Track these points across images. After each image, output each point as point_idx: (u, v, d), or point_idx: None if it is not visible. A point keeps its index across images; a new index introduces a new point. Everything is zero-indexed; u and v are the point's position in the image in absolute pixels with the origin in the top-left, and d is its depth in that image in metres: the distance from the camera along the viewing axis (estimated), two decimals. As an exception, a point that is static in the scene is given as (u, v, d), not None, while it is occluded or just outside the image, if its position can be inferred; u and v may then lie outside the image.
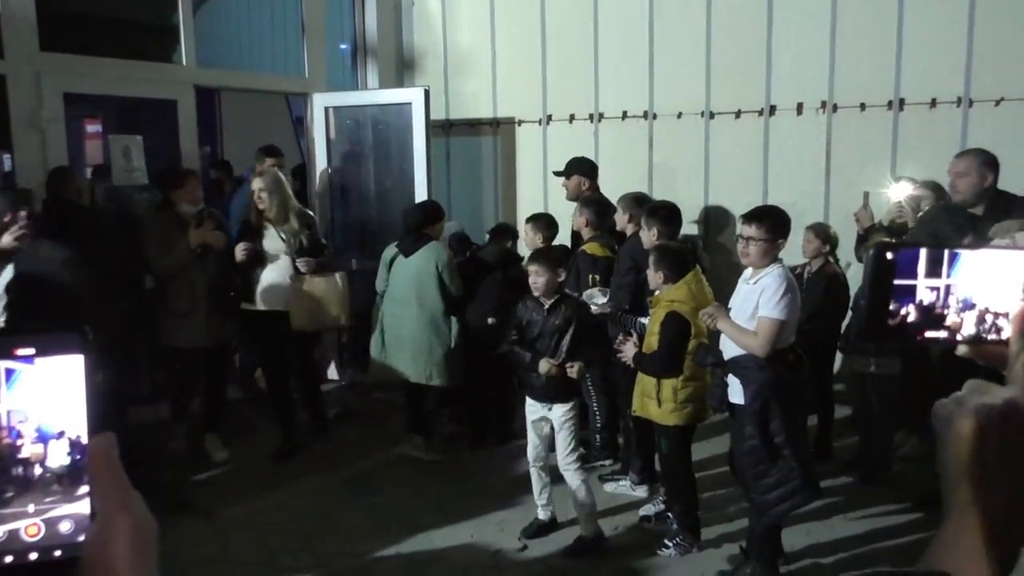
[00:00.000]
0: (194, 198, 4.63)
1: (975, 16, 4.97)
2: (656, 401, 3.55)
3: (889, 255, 0.68)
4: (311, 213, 4.98)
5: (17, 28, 4.53)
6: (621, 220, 4.35)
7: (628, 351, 3.66)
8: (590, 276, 4.29)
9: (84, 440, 0.54)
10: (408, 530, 3.92)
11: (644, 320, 3.87)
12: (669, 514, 3.85)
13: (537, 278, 3.60)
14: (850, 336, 4.38)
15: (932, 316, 0.69)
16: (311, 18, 6.31)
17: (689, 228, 5.40)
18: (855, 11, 5.28)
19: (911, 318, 0.69)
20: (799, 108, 5.50)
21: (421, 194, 5.95)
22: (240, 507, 4.15)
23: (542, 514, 3.86)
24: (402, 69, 6.83)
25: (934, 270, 0.68)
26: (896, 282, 0.68)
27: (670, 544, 3.66)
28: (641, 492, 4.23)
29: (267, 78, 6.87)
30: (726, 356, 3.29)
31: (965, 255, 0.69)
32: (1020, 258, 0.70)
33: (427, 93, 5.91)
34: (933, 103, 5.14)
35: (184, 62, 5.47)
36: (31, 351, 0.53)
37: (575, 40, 6.10)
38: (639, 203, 4.29)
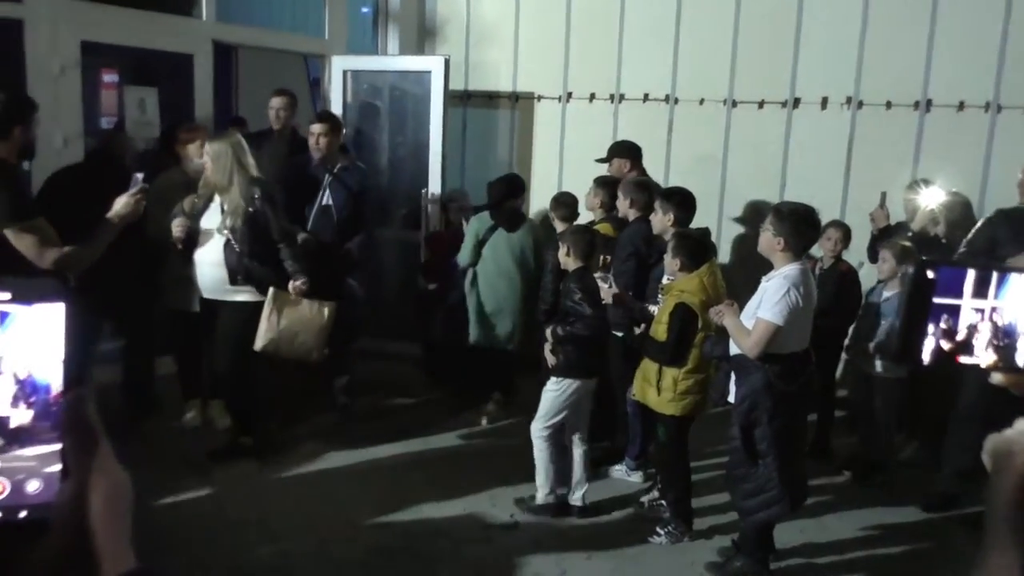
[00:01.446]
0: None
1: (1009, 20, 4.87)
2: (656, 389, 3.55)
3: (930, 273, 0.64)
4: (272, 187, 4.19)
5: (36, -28, 4.46)
6: (623, 205, 4.29)
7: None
8: (600, 256, 4.27)
9: (58, 393, 0.51)
10: (400, 501, 3.94)
11: (652, 307, 3.84)
12: (663, 501, 3.85)
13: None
14: (860, 336, 4.34)
15: (971, 340, 0.65)
16: (334, -21, 6.22)
17: (704, 218, 5.34)
18: (887, 8, 5.18)
19: (947, 340, 0.65)
20: (823, 102, 5.41)
21: (435, 165, 5.90)
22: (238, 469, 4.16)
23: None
24: (423, 36, 6.73)
25: (981, 291, 0.64)
26: (936, 301, 0.64)
27: (661, 532, 3.66)
28: (636, 478, 4.23)
29: (286, 37, 6.77)
30: (732, 351, 3.27)
31: (1013, 277, 0.65)
32: None
33: (447, 63, 5.84)
34: (961, 106, 5.05)
35: (204, 16, 5.40)
36: (6, 296, 0.50)
37: (600, 17, 6.00)
38: (641, 188, 4.24)
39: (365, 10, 7.22)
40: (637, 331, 4.00)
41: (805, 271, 3.21)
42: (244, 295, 4.02)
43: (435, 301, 5.37)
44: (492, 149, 6.59)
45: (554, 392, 3.78)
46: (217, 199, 3.99)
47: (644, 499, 4.00)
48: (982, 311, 0.65)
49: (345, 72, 6.12)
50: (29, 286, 0.51)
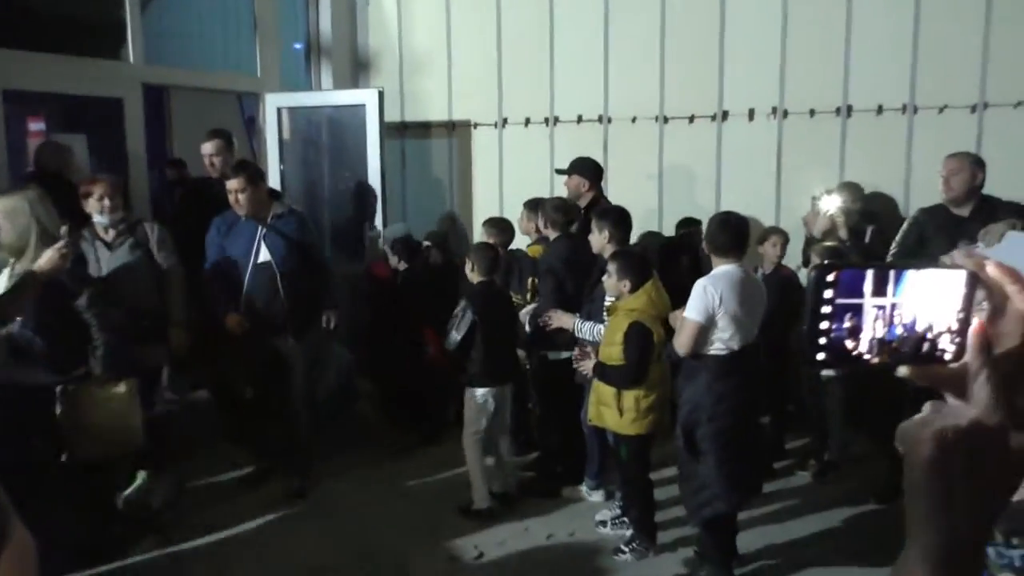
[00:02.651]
0: (103, 207, 3.95)
1: (920, 24, 5.11)
2: (617, 411, 3.54)
3: (831, 276, 0.65)
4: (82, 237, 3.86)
5: (-47, 23, 4.36)
6: (543, 226, 4.35)
7: (587, 366, 3.66)
8: (530, 279, 4.34)
9: None
10: (363, 539, 3.87)
11: (588, 325, 3.88)
12: (625, 519, 3.86)
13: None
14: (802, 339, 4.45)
15: (873, 337, 0.67)
16: (263, 16, 6.21)
17: (644, 231, 5.45)
18: (805, 19, 5.38)
19: (851, 339, 0.67)
20: (751, 114, 5.58)
21: (375, 197, 5.89)
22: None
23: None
24: (357, 69, 6.75)
25: (880, 289, 0.66)
26: (838, 301, 0.66)
27: (626, 549, 3.67)
28: (597, 497, 4.24)
29: (218, 76, 6.72)
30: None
31: (910, 274, 0.67)
32: (960, 277, 0.68)
33: (381, 95, 5.86)
34: (880, 110, 5.27)
35: (132, 59, 5.32)
36: None
37: (531, 43, 6.10)
38: (558, 208, 4.29)
39: (298, 46, 7.21)
40: (568, 354, 4.00)
41: (731, 272, 3.27)
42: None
43: (388, 334, 5.31)
44: (432, 178, 6.62)
45: (470, 402, 4.05)
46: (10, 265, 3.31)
47: (598, 516, 4.02)
48: (882, 308, 0.67)
49: (280, 109, 6.09)
50: None
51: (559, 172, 4.88)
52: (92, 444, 3.45)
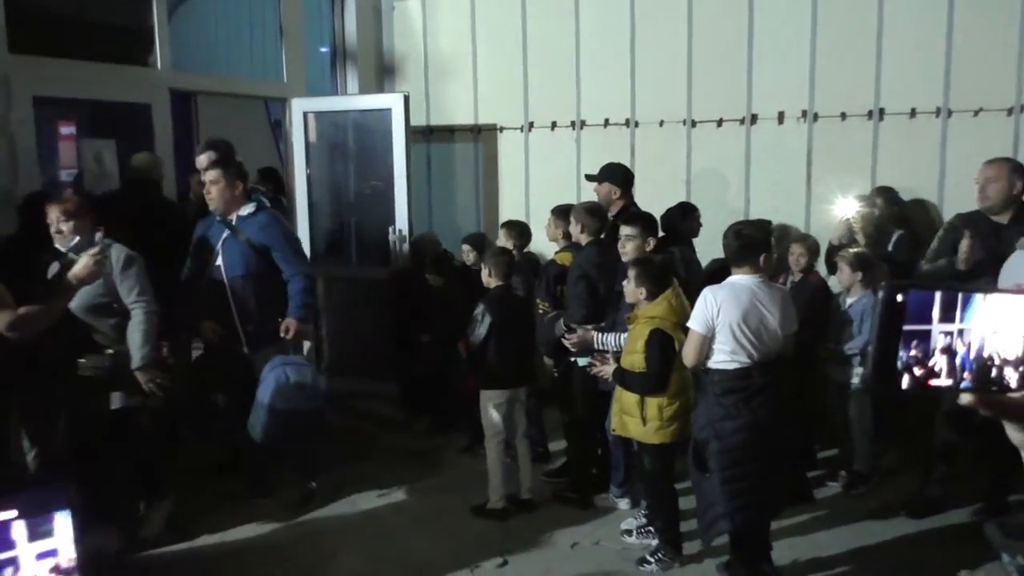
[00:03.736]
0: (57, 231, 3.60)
1: (954, 25, 4.99)
2: (640, 420, 3.50)
3: (899, 297, 0.64)
4: None
5: (-15, 29, 4.41)
6: (574, 231, 4.30)
7: (606, 371, 3.61)
8: (558, 287, 4.30)
9: None
10: (384, 545, 3.85)
11: (612, 336, 3.82)
12: (651, 528, 3.81)
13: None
14: (830, 344, 4.37)
15: (941, 364, 0.65)
16: (289, 22, 6.24)
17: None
18: (836, 21, 5.29)
19: (919, 367, 0.65)
20: (780, 117, 5.50)
21: (401, 201, 5.89)
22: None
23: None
24: (382, 74, 6.76)
25: (947, 314, 0.64)
26: (906, 328, 0.64)
27: (651, 559, 3.61)
28: (624, 505, 4.19)
29: (245, 82, 6.77)
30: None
31: (977, 298, 0.65)
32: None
33: (407, 99, 5.85)
34: (913, 113, 5.15)
35: (159, 65, 5.37)
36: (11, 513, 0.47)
37: (557, 47, 6.06)
38: (592, 213, 4.23)
39: (324, 50, 7.24)
40: (584, 362, 3.98)
41: (739, 283, 3.20)
42: None
43: (411, 338, 5.31)
44: (458, 182, 6.60)
45: (485, 405, 4.08)
46: None
47: (623, 525, 3.96)
48: (950, 334, 0.65)
49: (305, 114, 6.11)
50: (34, 500, 0.49)
51: (589, 179, 4.81)
52: None
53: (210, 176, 4.04)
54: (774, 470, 3.22)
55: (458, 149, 6.53)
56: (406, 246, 5.85)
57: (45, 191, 4.38)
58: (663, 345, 3.41)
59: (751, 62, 5.51)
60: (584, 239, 4.22)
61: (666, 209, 4.73)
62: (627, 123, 5.91)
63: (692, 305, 3.36)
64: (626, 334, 3.68)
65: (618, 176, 4.66)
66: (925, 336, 0.65)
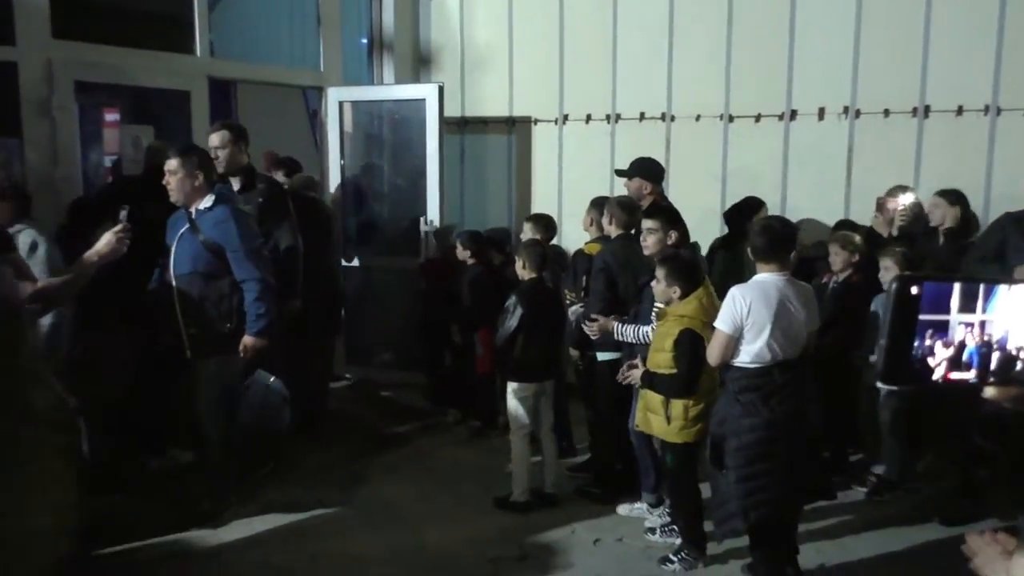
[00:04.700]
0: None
1: (1005, 21, 4.82)
2: (665, 418, 3.44)
3: (914, 289, 0.61)
4: None
5: (29, 15, 4.50)
6: (605, 223, 4.25)
7: (635, 375, 3.55)
8: (584, 277, 4.26)
9: None
10: (403, 535, 3.86)
11: (631, 328, 3.77)
12: (675, 527, 3.75)
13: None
14: (862, 347, 4.26)
15: (961, 355, 0.63)
16: (327, 12, 6.27)
17: (706, 234, 5.29)
18: (880, 15, 5.15)
19: (937, 358, 0.63)
20: (821, 113, 5.37)
21: (433, 191, 5.90)
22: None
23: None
24: (418, 65, 6.76)
25: (968, 305, 0.62)
26: (922, 317, 0.61)
27: (674, 559, 3.55)
28: (658, 515, 3.99)
29: (282, 71, 6.82)
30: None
31: (1001, 289, 0.63)
32: None
33: (441, 90, 5.85)
34: (960, 111, 5.00)
35: (198, 53, 5.43)
36: None
37: (593, 40, 6.00)
38: (623, 207, 4.16)
39: (363, 41, 7.28)
40: (605, 357, 3.99)
41: (767, 281, 3.11)
42: None
43: (441, 330, 5.31)
44: (491, 174, 6.58)
45: (512, 397, 4.05)
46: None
47: (656, 524, 3.90)
48: (971, 325, 0.63)
49: (341, 103, 6.14)
50: None
51: (619, 174, 4.75)
52: None
53: (169, 166, 3.78)
54: (793, 470, 3.15)
55: (492, 141, 6.51)
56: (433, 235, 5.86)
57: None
58: (693, 345, 3.33)
59: (791, 56, 5.40)
60: (613, 232, 4.17)
61: (731, 204, 4.70)
62: (663, 117, 5.83)
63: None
64: (647, 328, 3.63)
65: (649, 171, 4.61)
66: (943, 326, 0.62)
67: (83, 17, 5.32)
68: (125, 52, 5.04)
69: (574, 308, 4.23)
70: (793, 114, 5.45)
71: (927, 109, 5.10)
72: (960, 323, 0.62)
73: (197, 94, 5.37)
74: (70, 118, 4.74)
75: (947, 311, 0.62)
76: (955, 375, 0.64)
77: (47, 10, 4.56)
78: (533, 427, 4.16)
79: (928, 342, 0.62)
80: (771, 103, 5.49)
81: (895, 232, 4.58)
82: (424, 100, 5.87)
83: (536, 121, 6.31)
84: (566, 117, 6.18)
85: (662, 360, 3.41)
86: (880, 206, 4.75)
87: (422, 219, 5.95)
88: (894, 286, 0.63)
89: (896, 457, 4.24)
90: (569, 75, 6.14)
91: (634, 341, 3.70)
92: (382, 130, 6.52)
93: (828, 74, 5.31)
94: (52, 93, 4.58)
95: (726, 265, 4.73)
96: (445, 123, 5.93)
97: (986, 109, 4.94)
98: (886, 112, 5.19)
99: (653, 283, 3.51)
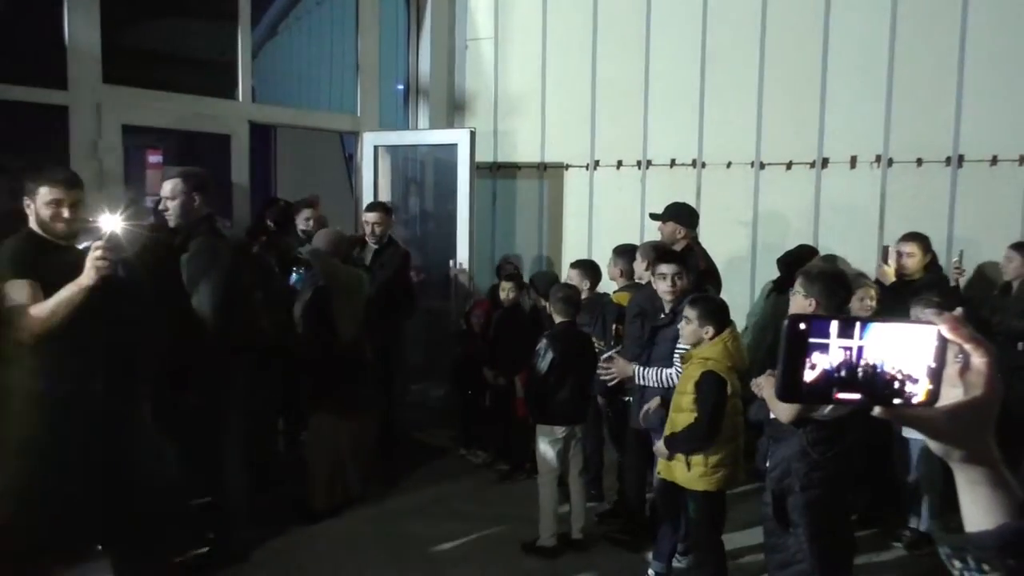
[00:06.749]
0: None
1: (1040, 73, 4.82)
2: (685, 464, 3.39)
3: (802, 325, 0.75)
4: None
5: (82, 60, 4.70)
6: (639, 267, 4.27)
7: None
8: (614, 326, 4.25)
9: None
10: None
11: (653, 371, 3.76)
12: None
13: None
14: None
15: (846, 377, 0.75)
16: (365, 58, 6.44)
17: (737, 282, 5.28)
18: (913, 64, 5.16)
19: (817, 375, 0.74)
20: (852, 161, 5.37)
21: (463, 234, 5.97)
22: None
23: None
24: (453, 111, 6.90)
25: (846, 332, 0.75)
26: (810, 340, 0.74)
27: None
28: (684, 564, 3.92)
29: (319, 116, 6.99)
30: (770, 416, 3.16)
31: (874, 324, 0.76)
32: (927, 331, 0.77)
33: (473, 134, 5.95)
34: (994, 160, 4.97)
35: (240, 98, 5.60)
36: None
37: (625, 87, 6.08)
38: (657, 251, 4.19)
39: (399, 87, 7.45)
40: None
41: None
42: None
43: (478, 371, 5.31)
44: (522, 218, 6.65)
45: (541, 441, 4.07)
46: None
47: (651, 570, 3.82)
48: (848, 349, 0.75)
49: (376, 147, 6.27)
50: None
51: (653, 217, 4.79)
52: None
53: (164, 191, 3.78)
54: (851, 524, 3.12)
55: (523, 185, 6.59)
56: (465, 278, 5.91)
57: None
58: (715, 388, 3.30)
59: (823, 104, 5.42)
60: (648, 277, 4.18)
61: (784, 252, 4.79)
62: (693, 164, 5.87)
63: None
64: (670, 370, 3.61)
65: (683, 215, 4.64)
66: (825, 348, 0.75)
67: (133, 62, 5.52)
68: (169, 97, 5.23)
69: (606, 356, 4.22)
70: (825, 162, 5.46)
71: (961, 159, 5.07)
72: (839, 347, 0.74)
73: (238, 138, 5.53)
74: (115, 159, 4.90)
75: (827, 336, 0.75)
76: (844, 395, 0.75)
77: (99, 55, 4.76)
78: (561, 471, 4.13)
79: (812, 360, 0.74)
80: (803, 151, 5.50)
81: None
82: (456, 145, 5.98)
83: (567, 167, 6.39)
84: (597, 163, 6.25)
85: (684, 402, 3.38)
86: (885, 254, 4.72)
87: (451, 262, 6.02)
88: (786, 323, 0.75)
89: (935, 511, 4.13)
90: (601, 121, 6.22)
91: (655, 385, 3.69)
92: (416, 174, 6.63)
93: (860, 122, 5.32)
94: (100, 136, 4.76)
95: (776, 307, 4.73)
96: (477, 168, 6.02)
97: (1021, 160, 4.90)
98: (919, 161, 5.17)
99: (681, 324, 3.50)
